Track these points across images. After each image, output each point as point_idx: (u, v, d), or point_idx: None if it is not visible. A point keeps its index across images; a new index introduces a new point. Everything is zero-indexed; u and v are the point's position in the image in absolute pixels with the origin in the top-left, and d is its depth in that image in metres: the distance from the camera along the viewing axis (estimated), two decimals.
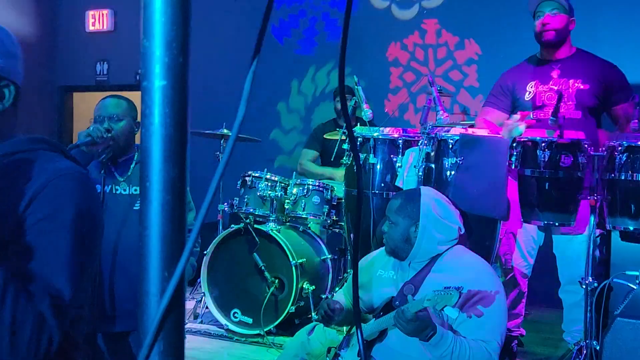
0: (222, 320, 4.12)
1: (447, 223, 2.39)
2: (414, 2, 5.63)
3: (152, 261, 0.59)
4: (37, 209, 1.16)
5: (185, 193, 0.62)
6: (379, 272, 2.47)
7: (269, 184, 4.19)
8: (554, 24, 3.47)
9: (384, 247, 2.60)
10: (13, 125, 1.30)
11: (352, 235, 3.47)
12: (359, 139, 3.25)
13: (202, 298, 4.25)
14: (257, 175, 4.23)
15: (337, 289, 4.14)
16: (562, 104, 3.38)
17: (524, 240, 3.51)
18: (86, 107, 7.80)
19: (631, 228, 2.92)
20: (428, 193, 2.45)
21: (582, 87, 3.45)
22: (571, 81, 3.48)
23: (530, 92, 3.56)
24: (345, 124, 4.19)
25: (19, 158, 1.23)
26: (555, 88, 3.47)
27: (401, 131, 3.27)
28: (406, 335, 2.12)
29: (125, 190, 2.54)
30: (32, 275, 1.12)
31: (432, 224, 2.36)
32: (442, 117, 3.24)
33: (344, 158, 3.43)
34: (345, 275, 4.29)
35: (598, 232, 3.09)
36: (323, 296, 4.13)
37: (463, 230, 2.44)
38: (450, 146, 2.98)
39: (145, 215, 0.59)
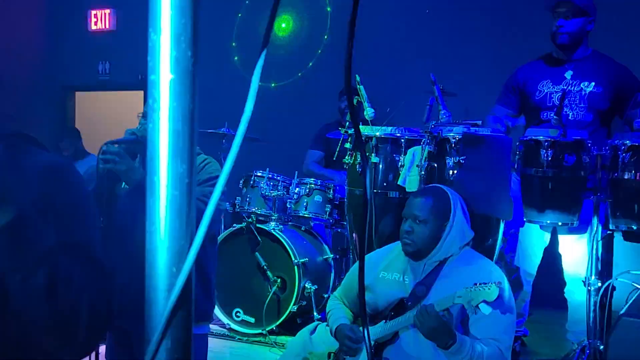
0: (224, 319, 4.11)
1: (468, 225, 2.39)
2: None
3: (159, 257, 0.58)
4: (56, 199, 1.17)
5: (193, 188, 0.61)
6: (382, 274, 2.45)
7: (271, 183, 4.19)
8: (568, 27, 3.44)
9: (382, 249, 2.60)
10: None
11: (354, 234, 3.46)
12: (362, 138, 3.24)
13: None
14: (259, 174, 4.23)
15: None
16: (567, 105, 3.37)
17: (530, 239, 3.50)
18: (88, 106, 7.80)
19: (634, 227, 2.91)
20: (455, 193, 2.45)
21: (594, 90, 3.43)
22: (584, 83, 3.46)
23: (541, 92, 3.54)
24: (347, 124, 4.18)
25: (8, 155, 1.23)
26: (567, 89, 3.46)
27: (404, 130, 3.26)
28: (424, 336, 2.10)
29: None
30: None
31: (459, 225, 2.36)
32: (445, 116, 3.23)
33: (347, 157, 3.42)
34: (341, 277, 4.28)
35: (604, 232, 3.08)
36: (325, 295, 4.13)
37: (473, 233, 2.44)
38: (453, 145, 2.97)
39: (152, 210, 0.59)
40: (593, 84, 3.43)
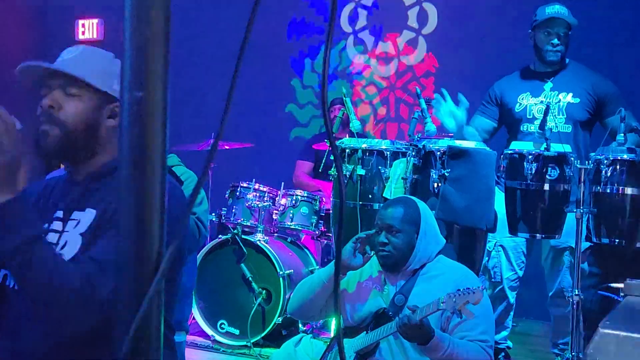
0: (209, 331, 4.09)
1: (437, 231, 2.43)
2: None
3: (128, 276, 0.58)
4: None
5: (164, 206, 0.61)
6: (365, 284, 2.47)
7: (258, 194, 4.18)
8: (562, 46, 3.49)
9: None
10: None
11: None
12: (347, 150, 3.25)
13: None
14: (245, 185, 4.22)
15: None
16: (552, 117, 3.40)
17: (514, 253, 3.52)
18: None
19: (617, 241, 2.93)
20: (421, 202, 2.49)
21: (572, 100, 3.47)
22: (562, 94, 3.51)
23: (521, 104, 3.58)
24: (335, 135, 4.20)
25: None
26: (546, 101, 3.50)
27: (389, 142, 3.28)
28: (407, 339, 2.13)
29: None
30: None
31: (431, 232, 2.40)
32: (430, 129, 3.25)
33: (332, 169, 3.43)
34: None
35: (586, 244, 3.10)
36: None
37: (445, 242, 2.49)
38: (438, 157, 2.98)
39: (122, 228, 0.59)
40: (571, 94, 3.49)
